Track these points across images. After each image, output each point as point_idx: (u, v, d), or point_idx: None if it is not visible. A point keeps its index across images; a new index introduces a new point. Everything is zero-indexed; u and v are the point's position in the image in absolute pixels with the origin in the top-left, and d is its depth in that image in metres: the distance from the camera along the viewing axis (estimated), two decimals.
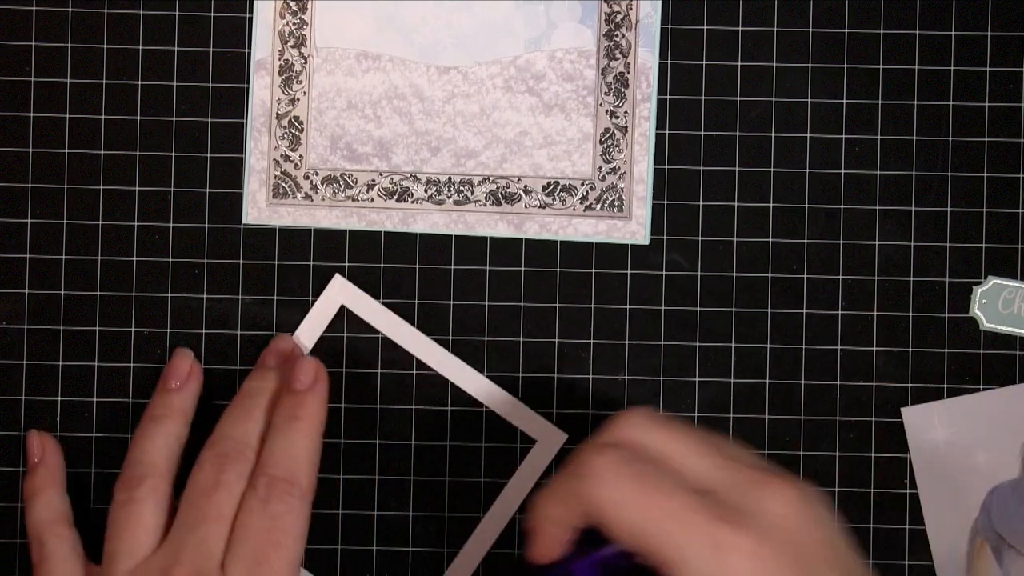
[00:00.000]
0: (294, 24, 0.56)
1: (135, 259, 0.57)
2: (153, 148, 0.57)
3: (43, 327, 0.56)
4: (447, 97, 0.56)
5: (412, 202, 0.56)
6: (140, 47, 0.57)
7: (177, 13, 0.57)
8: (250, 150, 0.57)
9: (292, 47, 0.56)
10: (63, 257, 0.56)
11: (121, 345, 0.56)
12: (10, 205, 0.57)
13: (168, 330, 0.56)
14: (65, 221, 0.57)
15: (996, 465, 0.56)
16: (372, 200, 0.56)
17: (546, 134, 0.56)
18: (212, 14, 0.57)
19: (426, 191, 0.56)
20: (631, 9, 0.56)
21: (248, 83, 0.57)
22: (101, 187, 0.57)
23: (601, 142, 0.56)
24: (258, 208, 0.56)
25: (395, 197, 0.56)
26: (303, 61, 0.56)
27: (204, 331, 0.57)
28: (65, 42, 0.57)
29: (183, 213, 0.57)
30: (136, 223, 0.57)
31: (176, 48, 0.57)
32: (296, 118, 0.56)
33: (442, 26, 0.56)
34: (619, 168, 0.56)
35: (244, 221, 0.57)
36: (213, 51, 0.57)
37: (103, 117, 0.57)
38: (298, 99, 0.56)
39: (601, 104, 0.56)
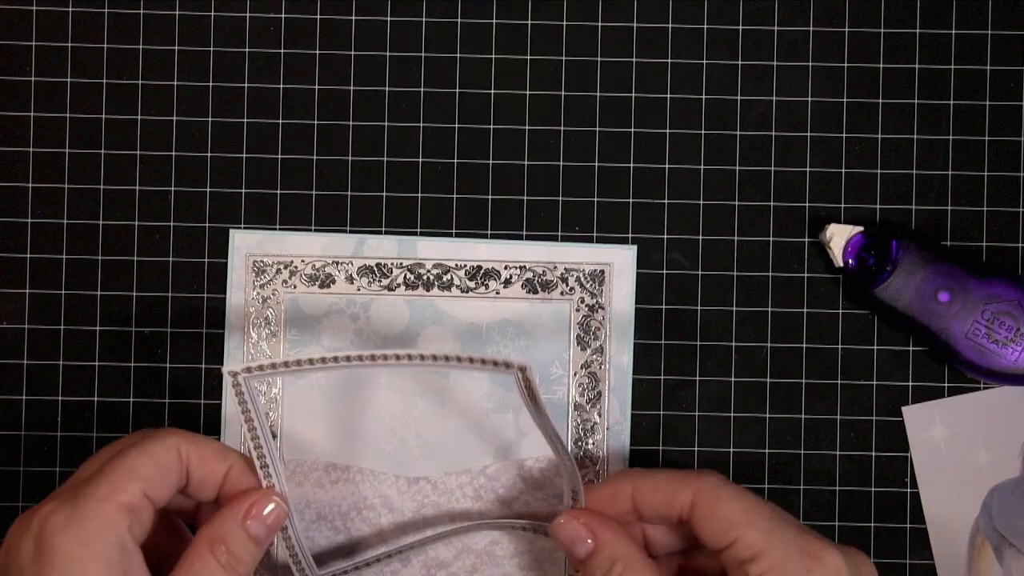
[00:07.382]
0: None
1: (135, 259, 0.57)
2: (153, 148, 0.57)
3: (43, 327, 0.56)
4: (417, 507, 0.56)
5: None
6: (140, 47, 0.57)
7: (177, 13, 0.57)
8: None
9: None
10: (64, 257, 0.56)
11: (121, 345, 0.56)
12: (11, 205, 0.56)
13: (168, 330, 0.56)
14: (66, 221, 0.56)
15: (997, 464, 0.56)
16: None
17: (516, 544, 0.56)
18: (212, 14, 0.57)
19: None
20: (600, 416, 0.56)
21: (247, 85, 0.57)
22: (101, 187, 0.57)
23: None
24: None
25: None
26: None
27: (204, 331, 0.57)
28: (65, 42, 0.57)
29: (183, 213, 0.57)
30: (136, 223, 0.57)
31: (176, 48, 0.57)
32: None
33: (411, 436, 0.56)
34: None
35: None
36: (213, 51, 0.57)
37: (103, 117, 0.57)
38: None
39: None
